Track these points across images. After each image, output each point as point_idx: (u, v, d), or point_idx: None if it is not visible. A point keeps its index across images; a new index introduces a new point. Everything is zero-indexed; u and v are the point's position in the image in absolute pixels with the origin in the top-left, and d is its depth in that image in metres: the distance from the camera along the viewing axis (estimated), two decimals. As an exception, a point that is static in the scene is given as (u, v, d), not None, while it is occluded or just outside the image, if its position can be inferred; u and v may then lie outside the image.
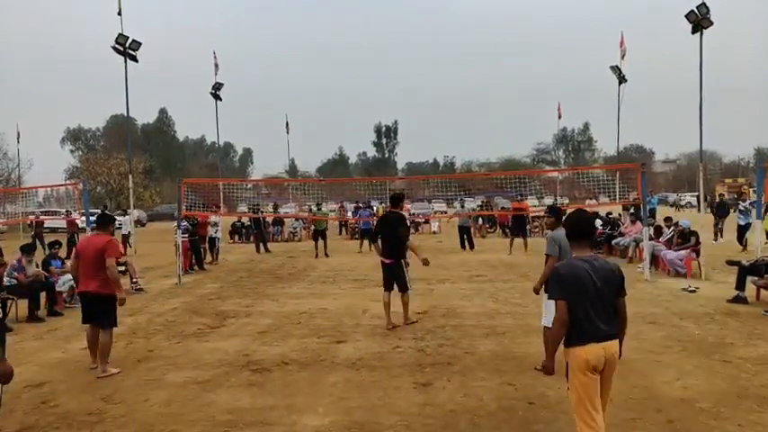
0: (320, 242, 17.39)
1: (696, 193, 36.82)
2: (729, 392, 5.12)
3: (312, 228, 19.23)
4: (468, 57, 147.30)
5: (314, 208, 22.09)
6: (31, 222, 22.28)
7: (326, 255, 17.15)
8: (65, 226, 21.38)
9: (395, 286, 7.91)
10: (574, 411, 3.46)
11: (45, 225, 21.83)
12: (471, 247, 18.58)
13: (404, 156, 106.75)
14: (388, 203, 9.34)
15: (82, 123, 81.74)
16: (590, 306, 3.36)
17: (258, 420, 4.75)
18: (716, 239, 17.89)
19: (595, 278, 3.37)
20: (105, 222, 6.74)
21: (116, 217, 26.91)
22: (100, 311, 6.22)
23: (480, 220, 24.42)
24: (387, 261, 7.94)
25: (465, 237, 18.76)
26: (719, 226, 18.76)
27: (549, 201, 28.17)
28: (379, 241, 8.03)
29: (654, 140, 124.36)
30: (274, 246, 20.86)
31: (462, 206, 23.66)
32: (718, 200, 18.56)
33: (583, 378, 3.37)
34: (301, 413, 4.89)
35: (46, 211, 30.86)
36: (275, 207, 25.72)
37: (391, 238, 7.90)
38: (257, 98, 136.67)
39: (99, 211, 19.05)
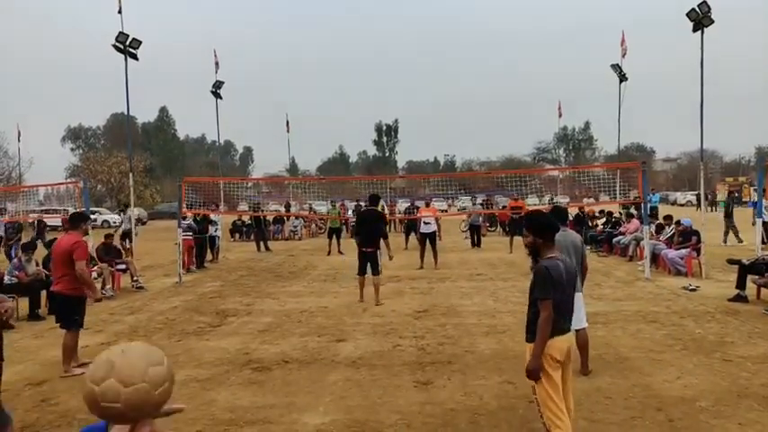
0: (334, 240, 17.69)
1: (696, 192, 36.74)
2: (730, 391, 5.12)
3: (327, 226, 19.64)
4: (469, 56, 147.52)
5: (329, 206, 23.29)
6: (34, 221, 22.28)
7: (340, 252, 17.30)
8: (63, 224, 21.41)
9: (368, 271, 9.41)
10: (543, 407, 3.58)
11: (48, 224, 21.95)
12: (479, 244, 18.89)
13: (404, 154, 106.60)
14: (368, 202, 10.51)
15: (82, 122, 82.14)
16: (561, 302, 3.62)
17: (258, 419, 4.76)
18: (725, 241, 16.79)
19: (566, 278, 3.66)
20: (77, 222, 6.44)
21: (116, 215, 27.14)
22: (61, 312, 6.24)
23: (480, 218, 24.51)
24: (369, 250, 9.45)
25: (475, 234, 19.04)
26: (732, 226, 17.07)
27: (547, 198, 28.12)
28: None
29: (654, 139, 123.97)
30: (275, 244, 20.84)
31: (474, 203, 23.74)
32: (726, 198, 16.46)
33: (553, 371, 3.58)
34: (302, 412, 4.90)
35: (47, 210, 30.84)
36: (287, 206, 25.98)
37: (373, 230, 9.48)
38: (258, 97, 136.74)
39: (118, 211, 18.87)
